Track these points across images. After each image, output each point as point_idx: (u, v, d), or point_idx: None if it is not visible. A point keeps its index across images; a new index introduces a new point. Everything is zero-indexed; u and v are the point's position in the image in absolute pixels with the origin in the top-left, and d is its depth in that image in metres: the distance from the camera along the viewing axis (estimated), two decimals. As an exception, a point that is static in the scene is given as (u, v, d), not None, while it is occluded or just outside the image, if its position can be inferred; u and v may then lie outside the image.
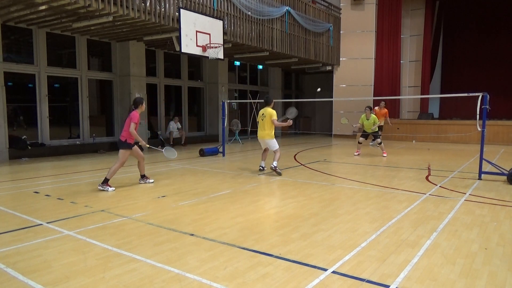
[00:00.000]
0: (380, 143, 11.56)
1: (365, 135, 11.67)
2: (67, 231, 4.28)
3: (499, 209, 5.28)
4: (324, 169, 8.93)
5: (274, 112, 8.23)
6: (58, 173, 8.40)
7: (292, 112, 8.42)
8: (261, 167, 8.56)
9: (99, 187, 6.51)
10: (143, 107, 6.89)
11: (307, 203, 5.62)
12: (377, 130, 11.51)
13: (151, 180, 7.25)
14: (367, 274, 3.17)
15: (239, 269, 3.28)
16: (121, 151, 6.68)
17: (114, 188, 6.54)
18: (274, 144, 8.30)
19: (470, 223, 4.59)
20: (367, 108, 11.42)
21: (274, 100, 8.64)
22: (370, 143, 13.43)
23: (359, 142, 11.84)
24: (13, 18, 9.76)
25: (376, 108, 13.78)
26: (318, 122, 22.86)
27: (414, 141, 12.66)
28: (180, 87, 15.70)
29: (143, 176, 7.20)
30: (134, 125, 6.56)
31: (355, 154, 11.65)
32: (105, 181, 6.53)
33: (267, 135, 8.25)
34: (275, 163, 8.15)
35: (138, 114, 6.73)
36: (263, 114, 8.27)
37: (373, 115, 11.33)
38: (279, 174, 8.11)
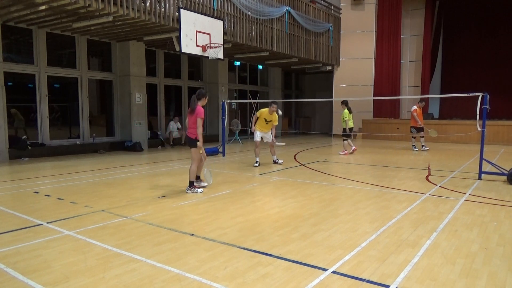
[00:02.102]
0: (343, 140, 11.81)
1: (343, 131, 11.80)
2: (67, 231, 4.28)
3: (499, 209, 5.28)
4: (324, 169, 8.93)
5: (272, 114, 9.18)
6: (58, 173, 8.40)
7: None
8: (273, 161, 9.70)
9: (187, 191, 6.30)
10: (205, 100, 6.46)
11: (307, 203, 5.62)
12: (352, 126, 11.78)
13: (204, 184, 6.69)
14: (367, 274, 3.17)
15: (239, 269, 3.27)
16: (193, 150, 6.34)
17: (202, 190, 6.41)
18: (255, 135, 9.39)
19: (470, 223, 4.59)
20: (341, 103, 11.77)
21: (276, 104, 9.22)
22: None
23: (343, 140, 12.04)
24: (13, 18, 9.76)
25: (416, 107, 12.63)
26: (318, 122, 22.87)
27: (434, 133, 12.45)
28: (180, 87, 15.70)
29: (190, 184, 6.42)
30: (200, 121, 6.16)
31: (350, 152, 11.87)
32: (191, 184, 6.35)
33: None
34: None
35: (202, 109, 6.31)
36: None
37: (345, 111, 11.52)
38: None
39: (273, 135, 9.36)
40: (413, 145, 13.02)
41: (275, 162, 9.63)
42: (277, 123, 9.33)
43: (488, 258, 3.53)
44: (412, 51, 19.48)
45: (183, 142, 14.37)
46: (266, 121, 9.17)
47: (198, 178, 6.69)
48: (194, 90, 17.67)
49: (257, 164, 9.19)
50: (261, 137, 9.33)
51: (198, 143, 6.23)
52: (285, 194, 6.30)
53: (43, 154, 11.00)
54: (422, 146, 12.83)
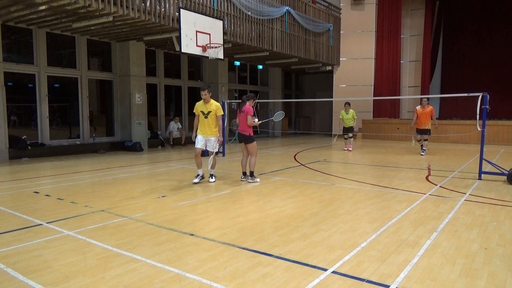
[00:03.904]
0: (350, 137, 12.87)
1: (346, 130, 12.81)
2: (67, 231, 4.28)
3: (499, 209, 5.28)
4: (324, 169, 8.93)
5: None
6: (58, 173, 8.40)
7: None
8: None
9: (249, 181, 7.24)
10: (253, 102, 7.35)
11: (307, 203, 5.62)
12: (351, 126, 12.72)
13: (257, 180, 7.33)
14: (367, 274, 3.17)
15: (239, 269, 3.27)
16: (251, 145, 7.19)
17: (259, 180, 7.32)
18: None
19: (470, 223, 4.59)
20: (346, 104, 12.58)
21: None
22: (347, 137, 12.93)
23: (345, 138, 13.02)
24: (13, 18, 9.76)
25: (418, 107, 11.39)
26: (318, 122, 22.87)
27: (414, 142, 12.18)
28: (180, 87, 15.70)
29: (251, 174, 7.31)
30: (251, 117, 7.07)
31: (345, 149, 12.84)
32: (252, 174, 7.28)
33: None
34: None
35: (251, 107, 7.23)
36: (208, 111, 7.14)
37: (352, 110, 12.58)
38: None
39: (221, 132, 7.21)
40: (422, 148, 11.60)
41: (207, 178, 7.50)
42: (222, 112, 7.09)
43: (488, 258, 3.53)
44: (412, 51, 19.48)
45: (183, 142, 14.37)
46: (204, 115, 7.04)
47: (252, 174, 7.31)
48: (194, 90, 17.73)
49: (196, 180, 7.14)
50: (204, 144, 7.21)
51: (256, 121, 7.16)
52: (285, 194, 6.30)
53: (43, 154, 10.99)
54: (423, 149, 11.63)
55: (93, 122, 12.99)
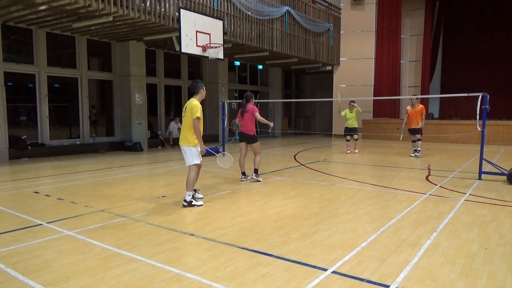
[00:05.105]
0: (356, 139, 12.21)
1: (349, 130, 12.11)
2: (67, 231, 4.28)
3: (499, 209, 5.28)
4: (324, 169, 8.93)
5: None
6: (58, 173, 8.40)
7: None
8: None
9: (253, 177, 7.35)
10: (253, 100, 7.40)
11: (307, 203, 5.62)
12: (356, 126, 12.06)
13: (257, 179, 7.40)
14: (367, 274, 3.17)
15: (239, 269, 3.27)
16: (255, 145, 7.29)
17: (261, 179, 7.40)
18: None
19: (470, 223, 4.59)
20: (351, 103, 11.95)
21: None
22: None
23: (347, 140, 12.30)
24: (13, 18, 9.76)
25: (409, 107, 11.15)
26: (318, 122, 22.87)
27: (402, 136, 11.60)
28: (180, 87, 15.70)
29: (255, 171, 7.40)
30: (259, 114, 7.20)
31: (348, 152, 12.16)
32: (256, 172, 7.38)
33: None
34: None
35: (255, 106, 7.37)
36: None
37: (356, 108, 11.77)
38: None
39: (200, 140, 5.36)
40: (414, 150, 11.22)
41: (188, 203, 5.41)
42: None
43: (488, 258, 3.53)
44: (412, 51, 19.48)
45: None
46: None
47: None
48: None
49: (194, 199, 5.58)
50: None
51: (271, 124, 7.34)
52: (285, 194, 6.29)
53: (43, 154, 10.99)
54: (414, 150, 11.22)
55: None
